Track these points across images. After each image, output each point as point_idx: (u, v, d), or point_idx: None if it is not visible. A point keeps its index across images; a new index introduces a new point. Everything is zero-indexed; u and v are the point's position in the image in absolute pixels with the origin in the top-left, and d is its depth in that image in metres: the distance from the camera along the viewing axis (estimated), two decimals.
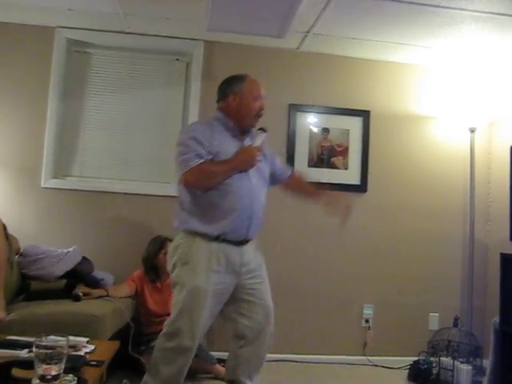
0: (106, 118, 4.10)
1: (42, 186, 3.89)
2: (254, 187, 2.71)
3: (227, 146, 2.67)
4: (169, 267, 2.70)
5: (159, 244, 3.67)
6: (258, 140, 2.74)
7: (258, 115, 2.77)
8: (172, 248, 2.70)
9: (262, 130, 2.78)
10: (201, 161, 2.56)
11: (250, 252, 2.73)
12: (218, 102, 2.84)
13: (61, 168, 4.01)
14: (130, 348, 3.28)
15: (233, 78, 2.82)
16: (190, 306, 2.56)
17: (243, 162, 2.66)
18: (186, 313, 2.55)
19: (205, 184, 2.61)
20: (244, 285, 2.71)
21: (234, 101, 2.74)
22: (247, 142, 2.77)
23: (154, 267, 3.66)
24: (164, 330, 2.61)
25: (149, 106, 4.14)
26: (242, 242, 2.68)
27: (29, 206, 3.87)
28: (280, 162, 3.05)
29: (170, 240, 3.64)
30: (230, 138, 2.72)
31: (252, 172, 2.71)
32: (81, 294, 3.17)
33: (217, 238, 2.60)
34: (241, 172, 2.65)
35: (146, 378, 2.64)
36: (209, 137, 2.63)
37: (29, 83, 3.93)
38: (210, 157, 2.59)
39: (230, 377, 2.80)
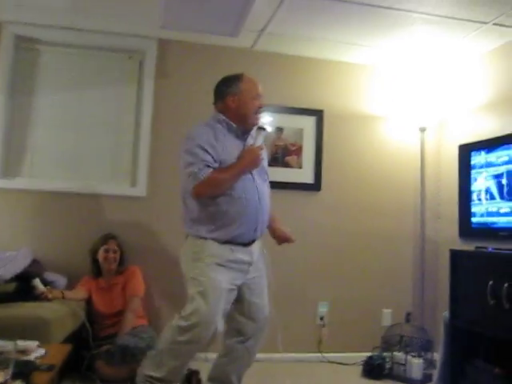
0: (56, 116, 4.00)
1: None
2: (259, 187, 2.76)
3: (231, 150, 2.70)
4: (183, 267, 2.73)
5: (102, 240, 3.66)
6: (259, 139, 2.78)
7: (258, 113, 2.79)
8: (185, 248, 2.73)
9: (262, 128, 2.82)
10: (209, 170, 2.58)
11: (256, 251, 2.80)
12: (215, 103, 2.84)
13: (9, 168, 3.88)
14: (83, 367, 3.21)
15: (230, 79, 2.83)
16: (207, 303, 2.57)
17: (248, 164, 2.70)
18: (201, 309, 2.56)
19: (215, 192, 2.63)
20: (247, 284, 2.76)
21: (233, 102, 2.75)
22: (249, 141, 2.80)
23: (95, 261, 3.65)
24: (176, 323, 2.60)
25: (101, 104, 4.06)
26: (249, 243, 2.74)
27: None
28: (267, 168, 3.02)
29: (113, 237, 3.62)
30: (233, 140, 2.74)
31: (255, 172, 2.75)
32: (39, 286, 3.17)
33: (226, 242, 2.65)
34: (246, 174, 2.70)
35: (146, 368, 2.62)
36: (213, 143, 2.64)
37: None
38: (217, 165, 2.62)
39: (218, 374, 2.84)
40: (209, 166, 2.58)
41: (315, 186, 4.24)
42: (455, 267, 3.38)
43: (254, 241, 2.77)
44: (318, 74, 4.34)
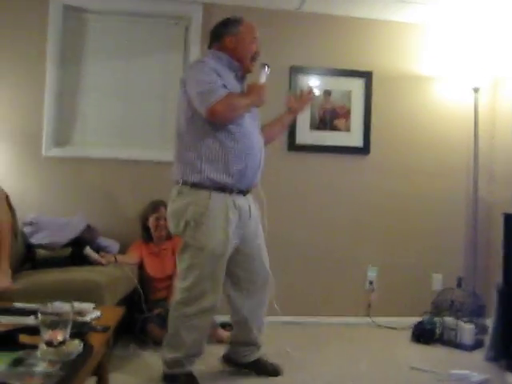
0: (105, 84, 4.04)
1: (44, 154, 3.87)
2: (257, 131, 2.69)
3: (234, 86, 2.60)
4: (175, 227, 2.60)
5: (152, 207, 3.69)
6: (263, 77, 2.68)
7: (254, 59, 2.70)
8: (180, 207, 2.56)
9: (265, 65, 2.70)
10: (227, 90, 2.47)
11: (252, 201, 2.72)
12: (210, 46, 2.73)
13: (62, 136, 3.98)
14: (136, 329, 3.32)
15: (229, 20, 2.73)
16: (212, 269, 2.52)
17: (255, 100, 2.59)
18: (208, 276, 2.51)
19: (231, 117, 2.49)
20: (246, 237, 2.69)
21: (231, 43, 2.65)
22: (244, 87, 2.71)
23: (147, 229, 3.70)
24: (181, 297, 2.55)
25: (148, 71, 4.08)
26: (248, 191, 2.66)
27: (31, 176, 3.86)
28: None
29: (164, 204, 3.64)
30: (233, 78, 2.65)
31: (252, 116, 2.67)
32: (92, 254, 3.24)
33: (231, 189, 2.54)
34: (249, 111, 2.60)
35: (166, 351, 2.60)
36: (221, 71, 2.55)
37: (26, 51, 3.86)
38: (228, 90, 2.50)
39: (242, 338, 2.87)
40: (225, 88, 2.47)
41: (364, 150, 4.18)
42: (509, 232, 3.29)
43: (250, 189, 2.67)
44: (367, 35, 4.22)
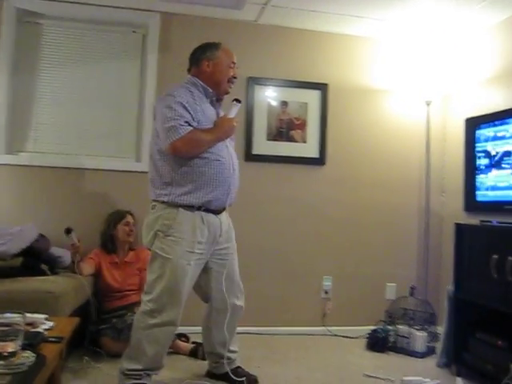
0: (60, 91, 3.97)
1: None
2: (232, 155, 2.78)
3: (208, 114, 2.70)
4: (146, 239, 2.68)
5: (120, 216, 3.63)
6: (234, 110, 2.81)
7: (231, 82, 2.81)
8: (151, 220, 2.65)
9: (237, 100, 2.84)
10: (190, 128, 2.56)
11: (225, 221, 2.80)
12: (189, 69, 2.83)
13: (14, 143, 3.88)
14: (85, 342, 3.23)
15: (207, 45, 2.83)
16: (175, 281, 2.57)
17: (224, 133, 2.72)
18: (171, 288, 2.57)
19: (193, 152, 2.60)
20: (217, 254, 2.78)
21: (208, 67, 2.75)
22: (220, 110, 2.84)
23: (112, 239, 3.61)
24: (145, 308, 2.59)
25: (104, 79, 4.04)
26: (220, 211, 2.73)
27: None
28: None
29: (131, 213, 3.62)
30: (208, 105, 2.74)
31: (228, 142, 2.78)
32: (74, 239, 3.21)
33: (199, 208, 2.62)
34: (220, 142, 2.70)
35: (126, 363, 2.59)
36: (192, 103, 2.63)
37: None
38: (195, 124, 2.60)
39: (209, 349, 2.94)
40: (189, 124, 2.57)
41: (320, 161, 4.24)
42: (460, 241, 3.39)
43: (224, 209, 2.78)
44: (323, 48, 4.29)
